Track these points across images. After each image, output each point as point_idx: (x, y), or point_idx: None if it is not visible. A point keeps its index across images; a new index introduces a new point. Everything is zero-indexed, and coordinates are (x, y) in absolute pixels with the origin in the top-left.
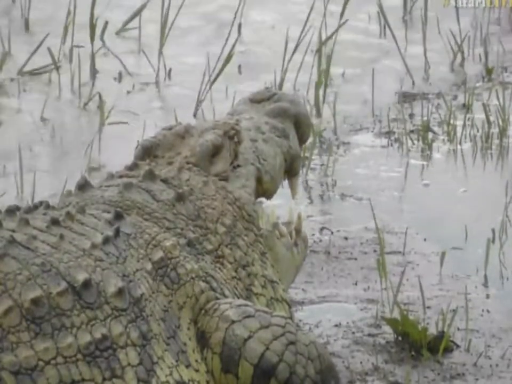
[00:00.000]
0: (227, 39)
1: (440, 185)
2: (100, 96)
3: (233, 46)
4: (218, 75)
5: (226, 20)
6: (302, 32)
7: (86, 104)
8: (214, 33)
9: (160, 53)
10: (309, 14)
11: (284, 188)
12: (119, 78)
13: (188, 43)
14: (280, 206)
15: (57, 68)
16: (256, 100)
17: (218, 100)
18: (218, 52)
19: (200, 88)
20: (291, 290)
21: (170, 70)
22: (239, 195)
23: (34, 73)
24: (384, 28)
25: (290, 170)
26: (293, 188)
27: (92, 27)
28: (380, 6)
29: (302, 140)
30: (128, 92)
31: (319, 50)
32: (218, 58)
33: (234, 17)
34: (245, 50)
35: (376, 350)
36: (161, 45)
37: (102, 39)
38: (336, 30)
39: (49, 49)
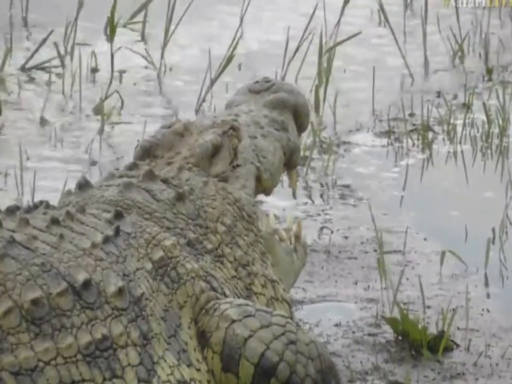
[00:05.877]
0: (233, 40)
1: (440, 185)
2: (102, 97)
3: (235, 46)
4: (220, 74)
5: (229, 20)
6: (305, 32)
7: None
8: (217, 31)
9: (163, 50)
10: (312, 16)
11: (285, 189)
12: (120, 76)
13: (190, 41)
14: (280, 207)
15: (63, 63)
16: (255, 90)
17: (218, 98)
18: (220, 50)
19: (201, 86)
20: (291, 290)
21: (171, 68)
22: (239, 196)
23: (39, 68)
24: (385, 26)
25: (289, 163)
26: (292, 180)
27: (112, 28)
28: (381, 5)
29: (300, 129)
30: (129, 90)
31: (319, 50)
32: (222, 61)
33: (241, 21)
34: (246, 48)
35: (376, 349)
36: (165, 42)
37: (105, 34)
38: (336, 28)
39: (55, 44)
